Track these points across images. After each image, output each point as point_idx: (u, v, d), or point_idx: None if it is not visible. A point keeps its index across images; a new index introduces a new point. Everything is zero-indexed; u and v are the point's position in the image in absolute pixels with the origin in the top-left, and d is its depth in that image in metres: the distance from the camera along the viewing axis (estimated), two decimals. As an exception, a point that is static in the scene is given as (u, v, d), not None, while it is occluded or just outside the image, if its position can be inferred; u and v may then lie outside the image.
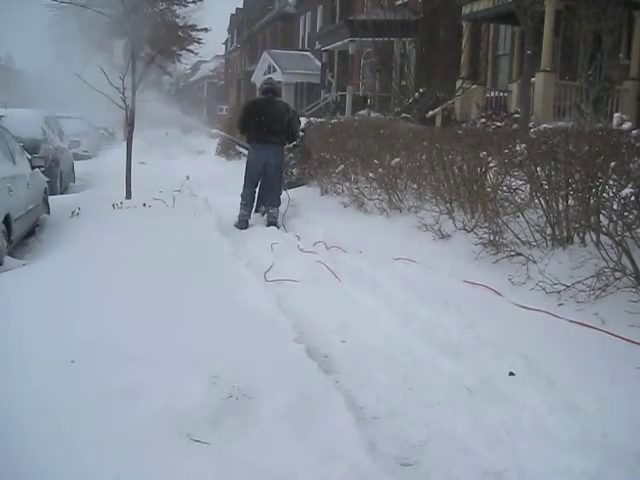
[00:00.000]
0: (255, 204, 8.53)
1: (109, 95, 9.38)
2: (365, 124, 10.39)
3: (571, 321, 4.14)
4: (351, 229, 7.36)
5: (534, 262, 4.96)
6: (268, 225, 8.19)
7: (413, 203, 7.30)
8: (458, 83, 14.62)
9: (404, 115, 13.65)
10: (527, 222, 5.27)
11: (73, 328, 3.86)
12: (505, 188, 5.69)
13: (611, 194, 4.57)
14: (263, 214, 8.56)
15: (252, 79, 31.14)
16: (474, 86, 14.32)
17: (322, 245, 6.75)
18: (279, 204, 8.40)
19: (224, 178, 13.09)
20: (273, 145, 8.27)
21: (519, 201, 5.56)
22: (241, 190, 8.41)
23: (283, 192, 8.69)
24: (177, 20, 37.30)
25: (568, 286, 4.46)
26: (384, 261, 5.82)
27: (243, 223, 8.23)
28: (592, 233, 4.82)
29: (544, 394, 3.21)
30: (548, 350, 3.68)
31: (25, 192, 7.32)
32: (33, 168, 8.19)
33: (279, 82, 27.38)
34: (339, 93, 21.30)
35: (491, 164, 6.06)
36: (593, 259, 4.52)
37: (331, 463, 2.66)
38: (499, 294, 4.81)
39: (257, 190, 8.49)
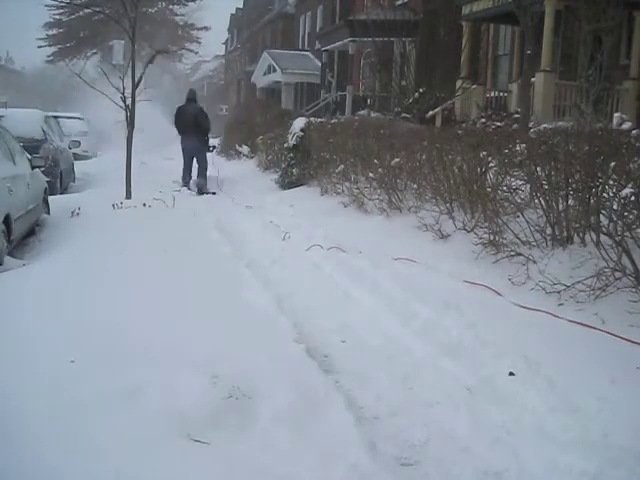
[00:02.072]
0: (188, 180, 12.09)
1: (109, 95, 9.40)
2: (365, 124, 10.39)
3: (571, 321, 4.14)
4: (351, 229, 7.36)
5: (534, 262, 4.96)
6: (200, 193, 11.49)
7: (413, 203, 7.30)
8: (458, 83, 14.61)
9: (404, 115, 13.64)
10: (527, 222, 5.27)
11: (73, 328, 3.87)
12: (505, 188, 5.69)
13: (611, 194, 4.57)
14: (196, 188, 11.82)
15: (252, 79, 31.12)
16: (474, 86, 14.31)
17: (312, 239, 6.77)
18: (205, 176, 12.08)
19: (224, 178, 13.10)
20: (193, 135, 11.92)
21: (519, 201, 5.56)
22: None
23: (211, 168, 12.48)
24: (177, 19, 37.35)
25: (568, 286, 4.46)
26: (384, 261, 5.82)
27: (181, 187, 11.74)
28: (592, 233, 4.82)
29: (544, 394, 3.21)
30: (548, 350, 3.68)
31: (25, 192, 7.32)
32: (33, 168, 8.19)
33: (278, 82, 27.42)
34: (339, 93, 21.29)
35: (491, 164, 6.06)
36: (593, 259, 4.52)
37: (331, 463, 2.66)
38: (499, 294, 4.81)
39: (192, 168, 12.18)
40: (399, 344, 4.12)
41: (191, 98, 12.45)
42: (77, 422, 2.78)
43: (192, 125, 11.94)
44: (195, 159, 12.20)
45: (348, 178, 8.98)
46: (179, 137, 12.44)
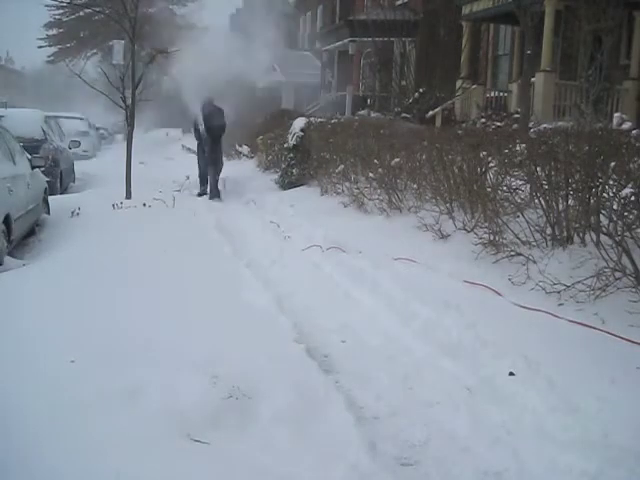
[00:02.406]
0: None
1: (109, 95, 9.41)
2: (365, 124, 10.39)
3: (571, 321, 4.13)
4: (351, 229, 7.35)
5: (534, 262, 4.96)
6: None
7: (413, 203, 7.30)
8: (458, 83, 14.62)
9: (404, 115, 13.65)
10: (527, 222, 5.27)
11: (73, 328, 3.87)
12: (505, 188, 5.69)
13: (611, 194, 4.57)
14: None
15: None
16: (474, 86, 14.32)
17: (312, 239, 6.78)
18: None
19: (224, 178, 13.09)
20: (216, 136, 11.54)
21: (519, 201, 5.56)
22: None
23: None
24: (177, 19, 37.31)
25: (568, 286, 4.46)
26: (384, 261, 5.82)
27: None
28: (592, 233, 4.82)
29: (544, 394, 3.21)
30: (548, 350, 3.68)
31: (25, 192, 7.31)
32: (33, 168, 8.19)
33: (278, 82, 27.42)
34: (339, 93, 21.30)
35: (491, 164, 6.06)
36: (593, 259, 4.52)
37: (331, 463, 2.66)
38: (499, 294, 4.80)
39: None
40: (399, 344, 4.12)
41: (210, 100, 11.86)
42: (77, 422, 2.78)
43: (210, 125, 11.58)
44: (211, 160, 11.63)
45: (348, 178, 8.98)
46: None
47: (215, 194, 11.09)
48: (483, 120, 11.57)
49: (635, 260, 4.23)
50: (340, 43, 20.40)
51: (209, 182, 11.23)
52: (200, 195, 11.14)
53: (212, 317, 4.24)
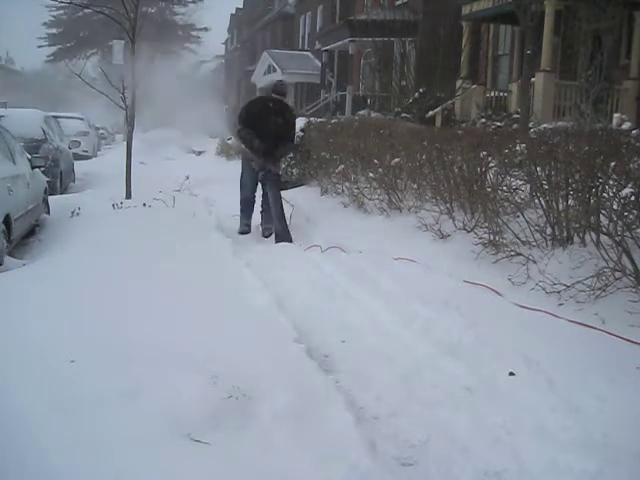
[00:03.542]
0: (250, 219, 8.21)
1: (109, 95, 9.42)
2: (365, 124, 10.38)
3: (571, 321, 4.14)
4: (351, 229, 7.35)
5: (534, 262, 4.96)
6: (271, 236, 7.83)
7: (413, 203, 7.30)
8: (458, 83, 14.63)
9: (404, 115, 13.64)
10: (527, 222, 5.27)
11: (73, 328, 3.86)
12: (505, 188, 5.69)
13: (611, 194, 4.57)
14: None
15: (252, 79, 31.14)
16: (474, 86, 14.33)
17: (313, 239, 6.76)
18: (284, 218, 7.85)
19: (224, 178, 13.10)
20: (274, 150, 7.98)
21: (519, 201, 5.56)
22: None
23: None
24: (177, 19, 37.45)
25: (568, 286, 4.46)
26: (384, 261, 5.82)
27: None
28: (592, 233, 4.82)
29: (544, 394, 3.21)
30: (548, 350, 3.68)
31: (25, 192, 7.32)
32: (33, 168, 8.19)
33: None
34: (339, 93, 21.30)
35: (491, 164, 6.06)
36: (593, 259, 4.52)
37: (331, 463, 2.66)
38: (499, 294, 4.81)
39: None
40: (399, 344, 4.12)
41: (281, 92, 8.03)
42: (77, 422, 2.78)
43: (275, 135, 7.74)
44: (266, 187, 7.95)
45: (348, 178, 8.97)
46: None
47: (286, 235, 7.45)
48: (483, 120, 11.58)
49: (635, 260, 4.23)
50: (340, 43, 20.40)
51: (276, 217, 7.61)
52: (244, 233, 7.86)
53: (212, 317, 4.24)
